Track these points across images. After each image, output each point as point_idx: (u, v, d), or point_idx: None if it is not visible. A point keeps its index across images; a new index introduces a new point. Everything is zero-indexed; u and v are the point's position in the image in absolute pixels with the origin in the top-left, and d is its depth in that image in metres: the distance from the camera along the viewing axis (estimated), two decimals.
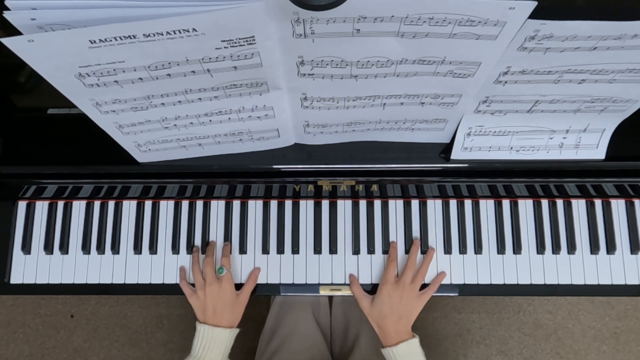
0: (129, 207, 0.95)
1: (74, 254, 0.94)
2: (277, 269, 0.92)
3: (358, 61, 0.60)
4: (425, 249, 0.91)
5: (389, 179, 0.86)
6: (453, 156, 0.80)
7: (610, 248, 0.91)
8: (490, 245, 0.92)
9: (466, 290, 0.91)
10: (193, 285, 0.88)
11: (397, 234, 0.93)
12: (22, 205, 0.94)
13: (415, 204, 0.93)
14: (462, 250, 0.92)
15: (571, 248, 0.91)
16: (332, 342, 1.07)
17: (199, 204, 0.94)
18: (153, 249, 0.93)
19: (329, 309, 1.11)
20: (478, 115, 0.75)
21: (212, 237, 0.93)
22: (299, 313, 1.04)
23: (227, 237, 0.93)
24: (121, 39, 0.52)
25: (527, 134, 0.77)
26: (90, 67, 0.57)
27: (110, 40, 0.52)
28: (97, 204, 0.95)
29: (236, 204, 0.94)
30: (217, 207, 0.94)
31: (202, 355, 0.81)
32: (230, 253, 0.91)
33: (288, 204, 0.94)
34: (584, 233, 0.92)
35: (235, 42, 0.55)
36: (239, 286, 0.89)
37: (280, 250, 0.93)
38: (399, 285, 0.85)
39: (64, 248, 0.93)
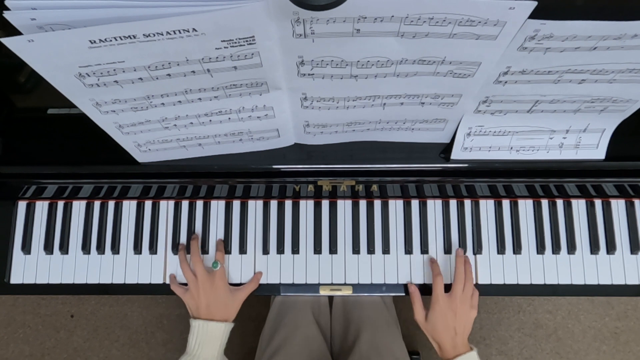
0: (129, 207, 0.95)
1: (74, 254, 0.94)
2: (277, 269, 0.92)
3: (358, 61, 0.60)
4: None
5: (389, 179, 0.86)
6: (453, 156, 0.80)
7: (610, 248, 0.91)
8: (490, 246, 0.92)
9: None
10: (185, 285, 0.88)
11: (397, 234, 0.93)
12: (22, 205, 0.94)
13: (415, 204, 0.93)
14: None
15: (571, 248, 0.91)
16: (332, 342, 1.07)
17: (199, 204, 0.94)
18: (153, 249, 0.93)
19: (329, 309, 1.10)
20: (478, 115, 0.75)
21: (212, 237, 0.93)
22: (299, 313, 1.04)
23: (227, 237, 0.93)
24: (121, 39, 0.52)
25: (527, 134, 0.77)
26: (90, 67, 0.57)
27: (110, 40, 0.52)
28: (97, 204, 0.95)
29: (236, 204, 0.94)
30: (217, 207, 0.94)
31: (198, 352, 0.81)
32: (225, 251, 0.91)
33: (288, 204, 0.94)
34: (584, 233, 0.92)
35: (235, 42, 0.55)
36: (239, 285, 0.89)
37: (280, 250, 0.93)
38: (451, 300, 0.83)
39: (64, 248, 0.93)
